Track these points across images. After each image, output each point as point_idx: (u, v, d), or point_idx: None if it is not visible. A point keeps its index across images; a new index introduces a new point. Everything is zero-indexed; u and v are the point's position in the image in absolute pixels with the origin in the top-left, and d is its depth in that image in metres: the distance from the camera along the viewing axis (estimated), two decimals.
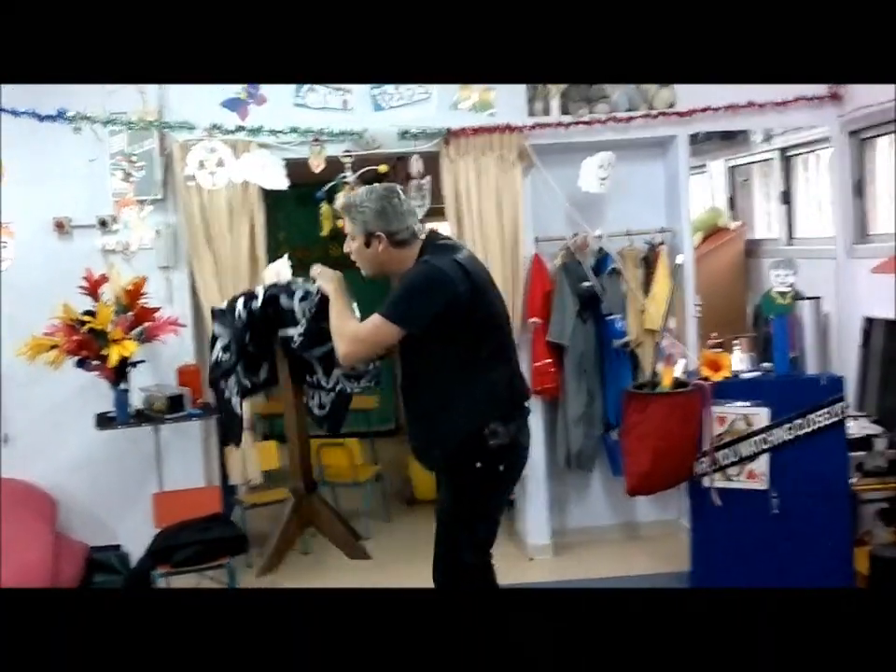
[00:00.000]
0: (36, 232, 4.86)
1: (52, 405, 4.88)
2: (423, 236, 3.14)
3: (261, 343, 4.28)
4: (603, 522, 5.40)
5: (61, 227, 4.92)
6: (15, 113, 4.34)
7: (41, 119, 4.43)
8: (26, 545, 4.44)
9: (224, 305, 4.00)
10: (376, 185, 3.22)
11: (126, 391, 4.69)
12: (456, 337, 3.00)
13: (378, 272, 3.18)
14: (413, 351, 3.08)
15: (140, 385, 4.83)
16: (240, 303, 3.97)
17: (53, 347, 4.42)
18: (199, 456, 5.12)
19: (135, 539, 4.77)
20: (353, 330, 3.02)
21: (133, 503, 4.98)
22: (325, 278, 3.22)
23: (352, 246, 3.14)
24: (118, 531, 5.09)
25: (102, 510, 5.08)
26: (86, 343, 4.42)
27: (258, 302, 3.88)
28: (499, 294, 3.23)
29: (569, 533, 5.35)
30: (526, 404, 3.20)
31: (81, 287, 4.58)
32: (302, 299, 3.79)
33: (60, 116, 4.46)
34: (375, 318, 2.96)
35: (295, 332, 3.74)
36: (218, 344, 3.90)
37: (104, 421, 4.74)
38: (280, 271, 4.74)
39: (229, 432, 4.23)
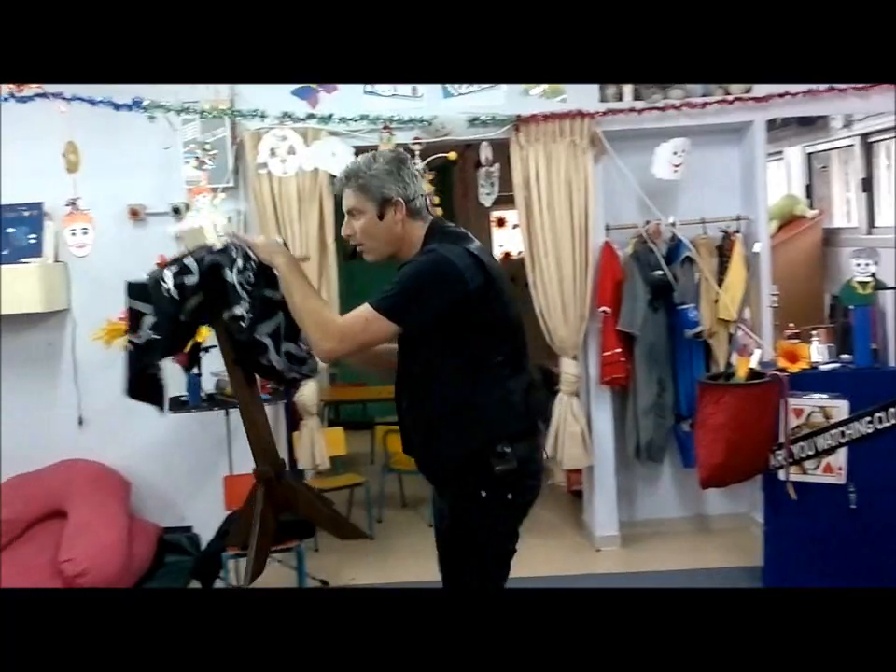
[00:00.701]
0: (112, 220, 4.97)
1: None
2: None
3: (195, 324, 3.21)
4: (672, 514, 5.34)
5: (135, 214, 5.01)
6: (92, 102, 4.41)
7: (117, 107, 4.51)
8: (102, 526, 4.55)
9: (146, 278, 2.95)
10: (381, 150, 2.94)
11: (198, 375, 4.75)
12: (464, 338, 2.52)
13: (390, 251, 2.62)
14: (410, 352, 2.62)
15: (212, 369, 4.89)
16: (168, 277, 2.82)
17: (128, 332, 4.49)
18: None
19: (206, 521, 4.85)
20: (338, 326, 2.47)
21: (203, 486, 5.06)
22: (271, 251, 2.65)
23: (357, 225, 2.60)
24: (189, 513, 5.18)
25: (174, 492, 5.18)
26: None
27: (193, 277, 2.78)
28: (515, 293, 2.71)
29: (638, 525, 5.30)
30: (542, 422, 2.78)
31: None
32: (241, 270, 2.75)
33: (135, 105, 4.53)
34: (366, 311, 2.43)
35: (242, 311, 2.75)
36: (146, 322, 2.88)
37: (176, 405, 4.80)
38: (199, 230, 3.92)
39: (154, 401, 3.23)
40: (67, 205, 4.50)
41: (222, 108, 4.83)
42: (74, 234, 4.50)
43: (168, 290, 2.82)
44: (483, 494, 2.49)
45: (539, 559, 5.03)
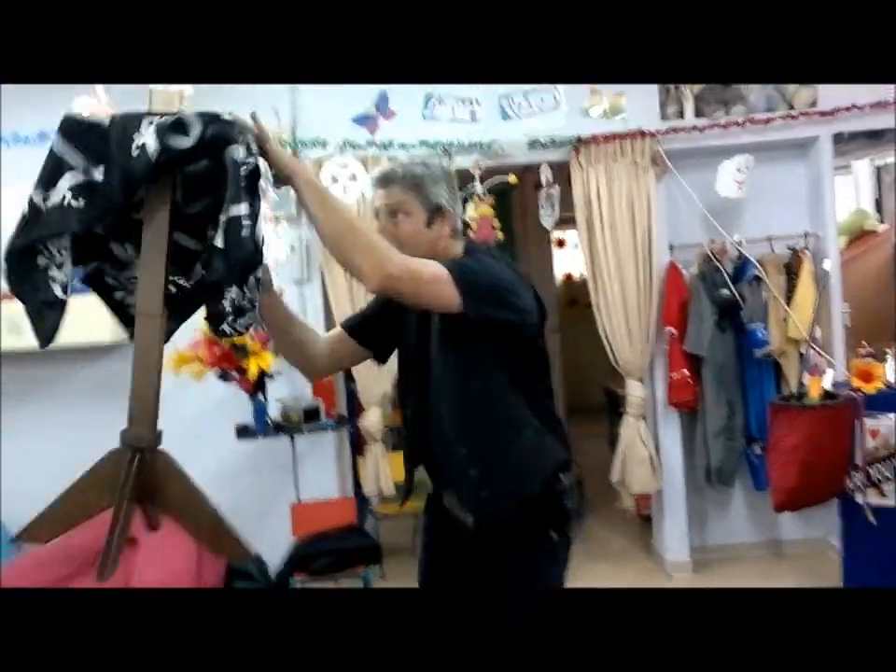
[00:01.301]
0: None
1: (195, 416, 5.01)
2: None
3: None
4: (745, 539, 5.22)
5: None
6: None
7: None
8: (172, 552, 4.56)
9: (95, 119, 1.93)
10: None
11: (264, 402, 4.79)
12: (520, 360, 2.32)
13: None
14: (460, 362, 2.30)
15: (277, 396, 4.93)
16: (148, 129, 1.84)
17: (196, 360, 4.55)
18: (333, 466, 5.20)
19: (273, 548, 4.86)
20: (403, 257, 2.08)
21: (270, 513, 5.07)
22: (289, 158, 2.10)
23: (401, 225, 2.32)
24: (256, 539, 5.17)
25: (241, 518, 5.16)
26: (227, 356, 4.55)
27: (188, 140, 1.84)
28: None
29: (709, 550, 5.19)
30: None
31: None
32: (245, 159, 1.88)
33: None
34: (440, 268, 2.12)
35: (242, 212, 1.90)
36: (66, 179, 1.86)
37: (243, 432, 4.85)
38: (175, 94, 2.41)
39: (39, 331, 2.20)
40: None
41: (283, 138, 4.89)
42: None
43: (140, 147, 1.83)
44: (554, 536, 2.31)
45: (610, 586, 4.96)
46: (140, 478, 1.94)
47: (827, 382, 3.71)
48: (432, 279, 2.10)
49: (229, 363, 4.53)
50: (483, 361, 2.27)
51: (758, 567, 5.02)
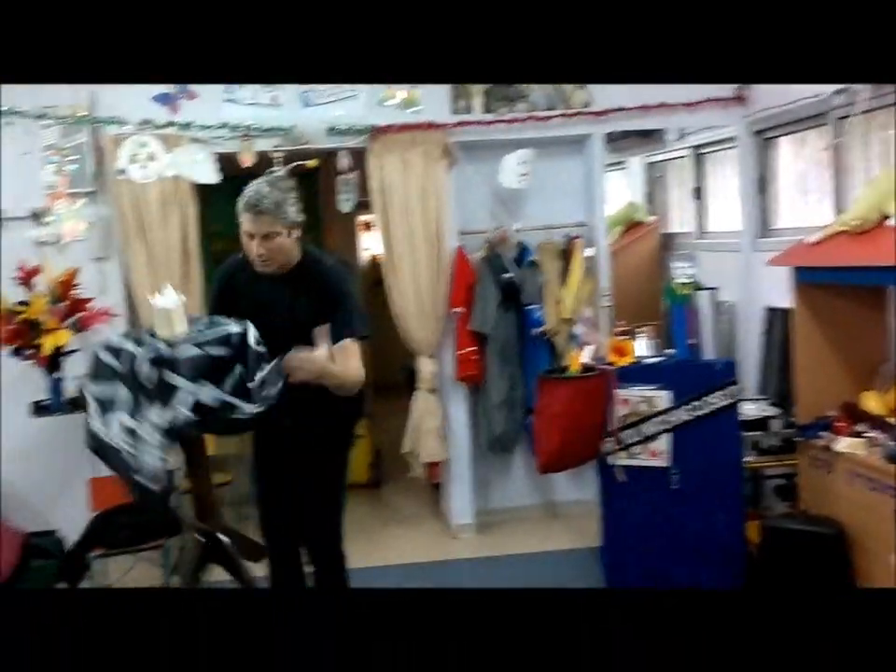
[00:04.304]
0: None
1: None
2: None
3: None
4: (524, 502, 5.65)
5: None
6: None
7: None
8: None
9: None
10: (273, 176, 3.29)
11: (60, 379, 4.79)
12: None
13: (283, 263, 3.21)
14: (304, 335, 3.06)
15: (74, 373, 4.92)
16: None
17: None
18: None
19: (71, 523, 4.87)
20: (355, 366, 3.13)
21: (68, 489, 5.07)
22: (306, 369, 3.00)
23: (271, 245, 3.11)
24: (54, 517, 5.17)
25: (38, 496, 5.15)
26: (20, 333, 4.52)
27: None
28: None
29: (493, 513, 5.60)
30: None
31: (15, 277, 4.68)
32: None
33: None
34: (356, 345, 3.16)
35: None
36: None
37: (39, 409, 4.83)
38: (171, 311, 3.09)
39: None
40: None
41: (80, 115, 4.88)
42: None
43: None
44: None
45: (402, 548, 5.30)
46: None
47: (586, 356, 4.13)
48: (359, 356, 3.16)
49: (22, 340, 4.52)
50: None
51: (535, 527, 5.48)
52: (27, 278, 4.66)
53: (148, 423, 2.87)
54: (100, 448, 2.93)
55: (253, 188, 3.14)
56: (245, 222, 3.11)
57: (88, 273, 4.97)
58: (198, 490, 3.46)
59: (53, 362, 4.70)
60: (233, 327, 2.97)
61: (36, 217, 4.96)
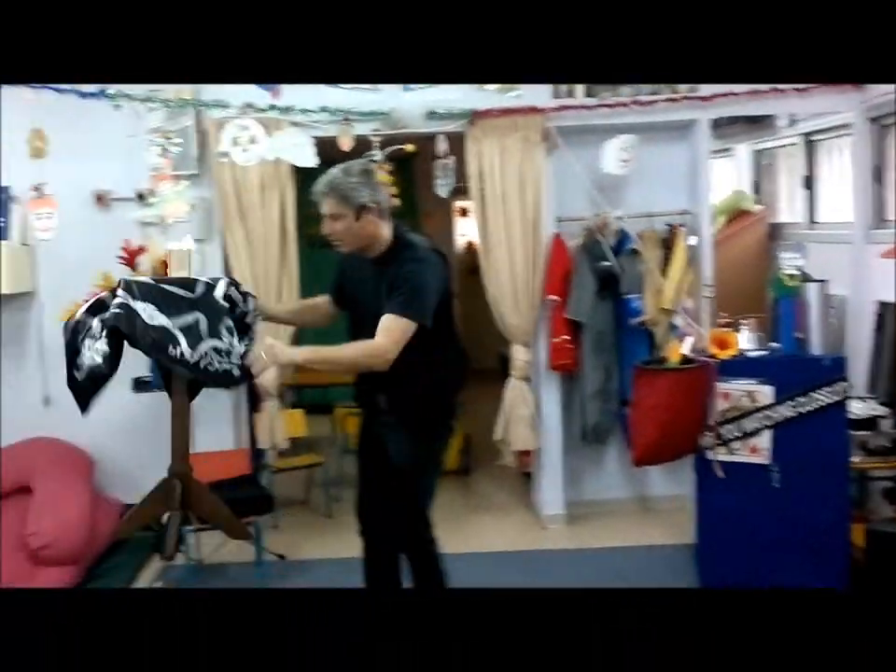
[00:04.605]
0: (78, 204, 5.12)
1: None
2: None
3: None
4: (617, 494, 5.56)
5: (101, 199, 5.16)
6: (58, 90, 4.54)
7: (83, 95, 4.62)
8: (65, 502, 4.69)
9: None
10: (350, 161, 3.40)
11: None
12: (435, 317, 3.25)
13: (362, 246, 3.33)
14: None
15: None
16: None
17: None
18: (230, 421, 5.36)
19: None
20: (383, 341, 3.11)
21: (166, 463, 5.18)
22: (288, 356, 3.28)
23: (337, 226, 3.26)
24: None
25: (137, 469, 5.28)
26: None
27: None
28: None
29: (583, 504, 5.52)
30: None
31: (120, 257, 4.79)
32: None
33: (101, 93, 4.66)
34: (400, 322, 3.12)
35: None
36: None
37: (140, 385, 4.95)
38: (186, 252, 3.95)
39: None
40: (33, 190, 4.63)
41: (185, 98, 4.96)
42: (39, 218, 4.63)
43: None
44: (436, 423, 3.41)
45: (490, 536, 5.27)
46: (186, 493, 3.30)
47: (686, 348, 4.01)
48: (402, 334, 3.12)
49: None
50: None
51: (626, 520, 5.38)
52: (131, 258, 4.76)
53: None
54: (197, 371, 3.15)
55: (327, 173, 3.31)
56: (319, 204, 3.31)
57: None
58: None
59: None
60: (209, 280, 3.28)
61: (141, 198, 5.09)
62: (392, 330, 3.12)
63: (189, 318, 3.14)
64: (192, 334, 3.11)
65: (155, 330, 3.07)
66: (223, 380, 3.20)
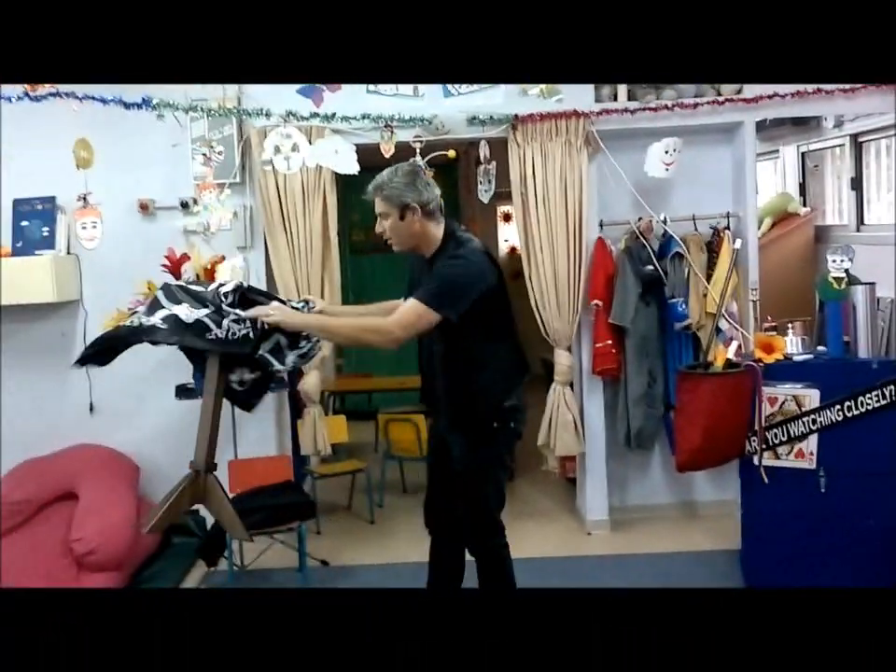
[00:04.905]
0: (123, 213, 5.18)
1: (135, 377, 5.16)
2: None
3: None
4: (661, 500, 5.51)
5: (145, 208, 5.22)
6: (103, 101, 4.61)
7: (127, 106, 4.69)
8: (111, 508, 4.73)
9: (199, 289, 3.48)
10: (400, 164, 3.47)
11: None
12: (484, 317, 3.32)
13: (411, 245, 3.41)
14: (442, 329, 3.29)
15: None
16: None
17: None
18: (272, 427, 5.39)
19: None
20: (394, 320, 3.18)
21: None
22: (294, 320, 3.33)
23: (386, 224, 3.37)
24: None
25: (181, 475, 5.34)
26: None
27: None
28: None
29: (628, 510, 5.48)
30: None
31: (163, 265, 4.86)
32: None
33: (144, 104, 4.72)
34: (418, 307, 3.17)
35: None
36: (159, 313, 3.46)
37: (183, 392, 5.00)
38: (237, 269, 4.73)
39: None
40: (78, 200, 4.71)
41: (228, 107, 5.02)
42: (84, 228, 4.71)
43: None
44: (496, 425, 3.40)
45: (534, 542, 5.23)
46: (194, 487, 3.53)
47: (731, 352, 3.95)
48: (416, 319, 3.16)
49: None
50: (452, 326, 3.23)
51: (671, 526, 5.32)
52: (175, 266, 4.83)
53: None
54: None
55: (378, 175, 3.39)
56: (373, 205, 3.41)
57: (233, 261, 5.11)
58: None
59: None
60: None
61: (185, 206, 5.15)
62: (407, 314, 3.19)
63: (211, 308, 3.37)
64: (214, 319, 3.33)
65: (195, 324, 3.33)
66: (245, 342, 3.34)
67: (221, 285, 3.44)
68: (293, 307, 3.48)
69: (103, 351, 3.59)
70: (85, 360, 3.61)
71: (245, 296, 3.40)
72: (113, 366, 5.14)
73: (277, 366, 3.41)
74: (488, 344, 3.38)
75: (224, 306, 3.32)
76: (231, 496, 4.74)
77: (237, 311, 3.32)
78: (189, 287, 3.49)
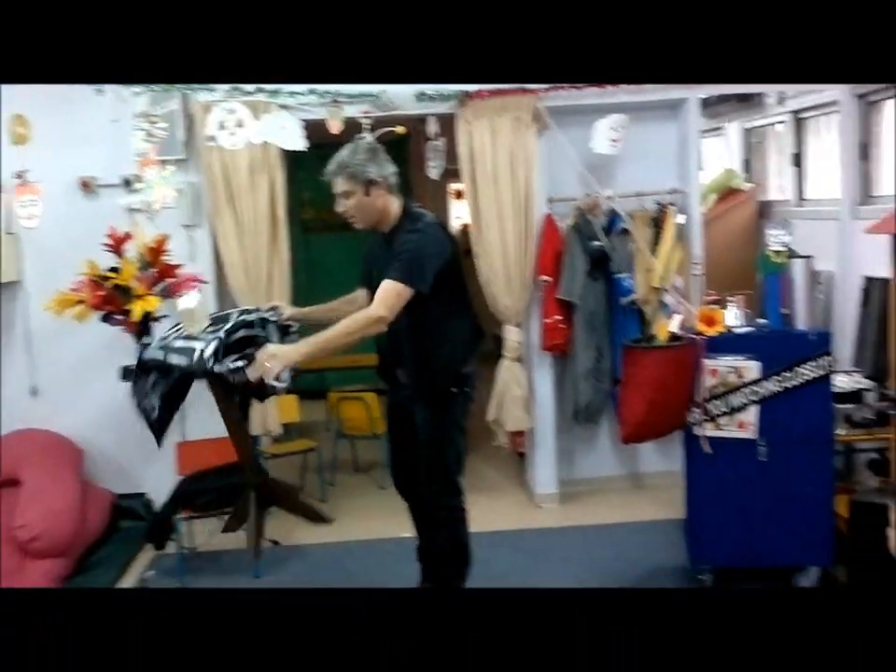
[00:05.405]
0: (63, 191, 5.09)
1: (79, 359, 5.09)
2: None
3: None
4: (609, 472, 5.59)
5: (86, 186, 5.13)
6: None
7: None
8: (54, 493, 4.64)
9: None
10: (357, 141, 3.58)
11: (149, 345, 4.87)
12: (444, 288, 3.44)
13: (374, 221, 3.51)
14: (411, 306, 3.38)
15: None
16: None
17: (79, 302, 4.59)
18: None
19: (159, 486, 4.98)
20: (376, 307, 3.29)
21: (156, 452, 5.12)
22: (289, 357, 3.32)
23: (349, 203, 3.44)
24: (142, 479, 5.32)
25: (127, 459, 5.30)
26: (110, 299, 4.60)
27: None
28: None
29: (577, 483, 5.55)
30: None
31: (106, 244, 4.77)
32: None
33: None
34: (395, 286, 3.29)
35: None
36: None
37: (128, 373, 4.91)
38: (194, 311, 4.11)
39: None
40: (16, 178, 4.59)
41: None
42: (23, 206, 4.59)
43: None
44: (454, 390, 3.57)
45: (485, 516, 5.24)
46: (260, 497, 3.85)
47: (674, 325, 4.00)
48: (396, 298, 3.29)
49: (112, 305, 4.60)
50: (423, 301, 3.36)
51: (619, 498, 5.41)
52: (118, 245, 4.75)
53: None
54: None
55: (337, 154, 3.45)
56: (332, 185, 3.46)
57: (177, 239, 5.04)
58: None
59: (143, 328, 4.77)
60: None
61: (127, 184, 5.06)
62: (387, 296, 3.29)
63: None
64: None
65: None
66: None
67: (202, 351, 3.54)
68: (262, 318, 3.63)
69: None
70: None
71: (229, 344, 3.51)
72: (56, 348, 5.12)
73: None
74: (449, 314, 3.51)
75: (216, 368, 3.48)
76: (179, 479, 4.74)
77: (239, 369, 3.44)
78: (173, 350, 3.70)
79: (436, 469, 3.64)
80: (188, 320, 3.82)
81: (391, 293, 3.30)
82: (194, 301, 3.99)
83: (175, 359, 3.69)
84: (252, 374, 3.35)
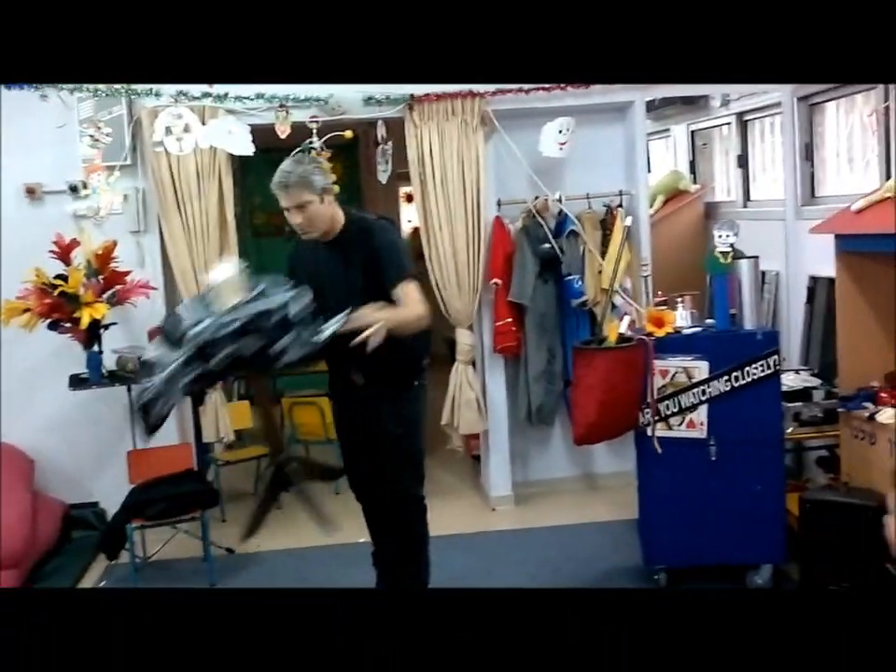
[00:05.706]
0: (8, 198, 5.02)
1: (27, 367, 5.01)
2: None
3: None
4: (563, 474, 5.62)
5: (32, 192, 5.05)
6: None
7: (8, 86, 4.52)
8: (4, 505, 4.55)
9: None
10: (295, 153, 3.65)
11: (98, 353, 4.83)
12: None
13: (327, 228, 3.48)
14: (371, 297, 3.25)
15: (113, 346, 4.97)
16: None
17: (26, 311, 4.54)
18: (173, 414, 5.26)
19: (111, 495, 4.93)
20: (415, 307, 3.30)
21: (108, 461, 5.15)
22: (373, 318, 3.10)
23: (306, 213, 3.38)
24: (94, 489, 5.26)
25: (78, 468, 5.24)
26: (58, 306, 4.55)
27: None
28: None
29: (531, 485, 5.58)
30: None
31: (52, 251, 4.71)
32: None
33: (26, 83, 4.55)
34: (410, 284, 3.33)
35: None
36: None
37: (77, 382, 4.87)
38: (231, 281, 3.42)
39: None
40: None
41: (116, 87, 4.88)
42: None
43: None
44: (417, 383, 3.60)
45: (440, 519, 5.23)
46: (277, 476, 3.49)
47: (623, 327, 4.04)
48: (419, 293, 3.35)
49: (60, 313, 4.54)
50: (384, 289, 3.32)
51: (574, 499, 5.45)
52: (64, 252, 4.69)
53: None
54: None
55: (280, 168, 3.42)
56: (280, 199, 3.41)
57: (125, 246, 5.00)
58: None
59: (91, 336, 4.73)
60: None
61: (74, 190, 5.00)
62: (414, 294, 3.33)
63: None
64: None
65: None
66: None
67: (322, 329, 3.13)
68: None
69: None
70: None
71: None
72: (3, 357, 5.03)
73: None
74: None
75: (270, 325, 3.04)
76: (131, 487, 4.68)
77: (321, 331, 3.08)
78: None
79: (408, 461, 3.65)
80: (224, 293, 3.33)
81: (414, 291, 3.34)
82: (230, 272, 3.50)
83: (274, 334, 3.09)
84: (369, 340, 3.04)
